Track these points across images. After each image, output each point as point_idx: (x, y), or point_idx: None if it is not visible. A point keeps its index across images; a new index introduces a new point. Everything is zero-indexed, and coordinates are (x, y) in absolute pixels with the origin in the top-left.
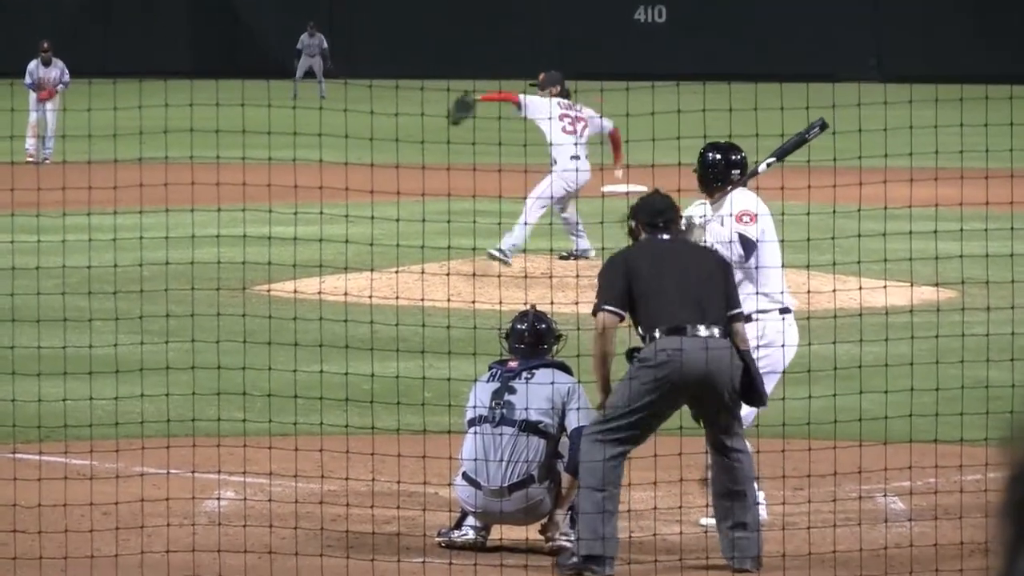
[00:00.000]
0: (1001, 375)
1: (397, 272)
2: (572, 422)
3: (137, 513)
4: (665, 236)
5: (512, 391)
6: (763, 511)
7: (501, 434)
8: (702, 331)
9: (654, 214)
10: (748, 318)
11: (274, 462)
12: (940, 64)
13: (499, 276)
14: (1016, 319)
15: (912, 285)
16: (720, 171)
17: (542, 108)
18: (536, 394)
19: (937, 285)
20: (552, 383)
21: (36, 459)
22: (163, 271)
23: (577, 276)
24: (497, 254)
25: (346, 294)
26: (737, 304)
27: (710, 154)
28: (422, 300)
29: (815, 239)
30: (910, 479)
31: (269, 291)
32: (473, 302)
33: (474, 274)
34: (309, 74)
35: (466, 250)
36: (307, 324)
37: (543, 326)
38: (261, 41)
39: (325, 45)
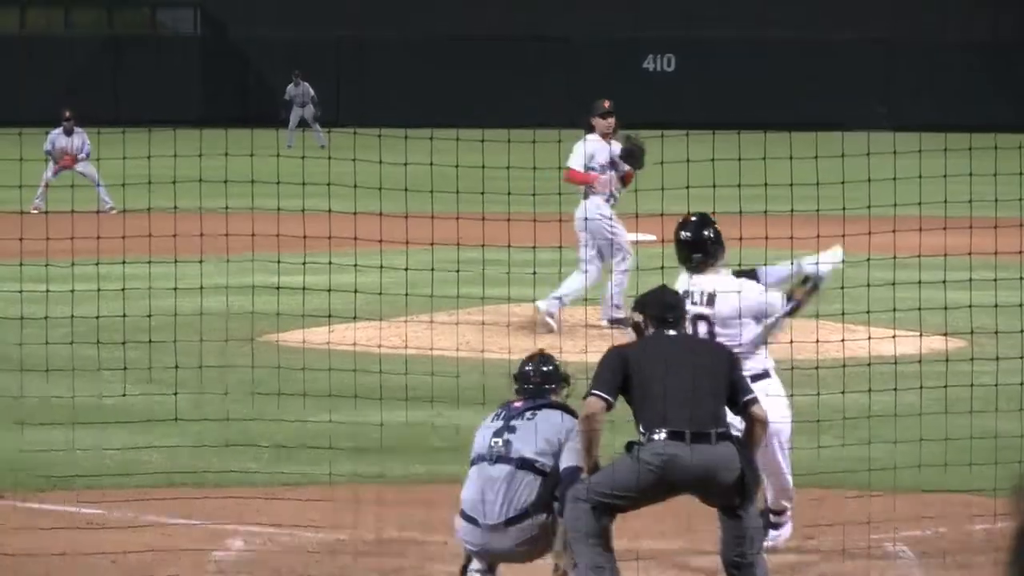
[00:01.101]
0: (1010, 425)
1: (406, 321)
2: (564, 461)
3: (146, 563)
4: (672, 332)
5: (512, 430)
6: (787, 530)
7: (500, 472)
8: (705, 434)
9: (664, 308)
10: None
11: (283, 512)
12: (949, 113)
13: (508, 325)
14: None
15: (921, 334)
16: (711, 246)
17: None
18: (537, 433)
19: (946, 335)
20: (555, 423)
21: (45, 508)
22: (172, 321)
23: (586, 325)
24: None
25: (355, 343)
26: (749, 390)
27: (682, 232)
28: (431, 349)
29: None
30: (919, 528)
31: (278, 341)
32: (482, 351)
33: (483, 323)
34: (303, 123)
35: (475, 299)
36: (316, 374)
37: (549, 367)
38: (272, 91)
39: (312, 92)
